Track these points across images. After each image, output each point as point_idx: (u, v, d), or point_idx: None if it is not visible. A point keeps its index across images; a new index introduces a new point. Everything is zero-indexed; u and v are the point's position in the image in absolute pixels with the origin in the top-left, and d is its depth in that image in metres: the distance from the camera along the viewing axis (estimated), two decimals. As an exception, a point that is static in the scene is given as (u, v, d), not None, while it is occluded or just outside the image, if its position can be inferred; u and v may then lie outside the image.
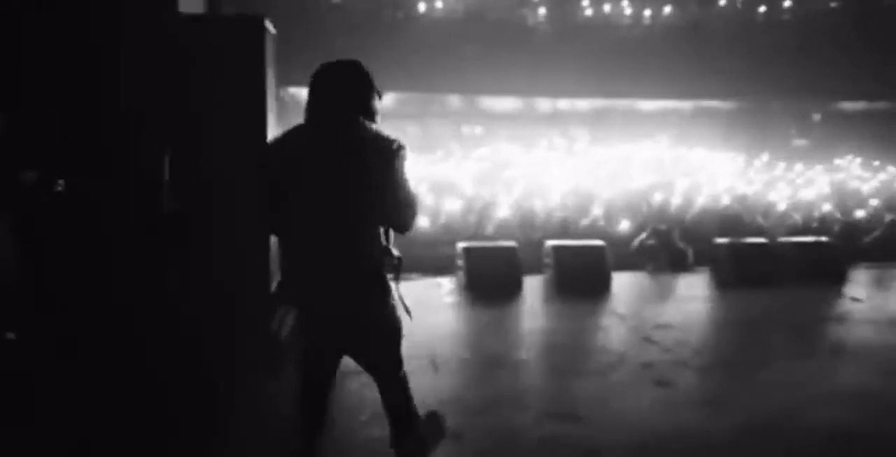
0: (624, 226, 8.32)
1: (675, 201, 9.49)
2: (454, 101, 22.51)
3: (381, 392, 2.49)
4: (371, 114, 2.32)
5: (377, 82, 2.37)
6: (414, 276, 6.70)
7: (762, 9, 15.75)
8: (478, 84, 16.97)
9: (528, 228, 8.83)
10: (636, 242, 7.64)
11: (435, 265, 7.09)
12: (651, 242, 7.51)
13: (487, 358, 4.41)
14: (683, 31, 15.81)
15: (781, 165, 14.69)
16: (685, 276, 7.05)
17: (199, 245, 4.06)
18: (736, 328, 5.26)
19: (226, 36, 4.20)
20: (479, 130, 26.68)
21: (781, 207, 9.24)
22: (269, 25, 4.47)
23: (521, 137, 22.97)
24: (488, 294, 6.09)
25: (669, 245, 7.40)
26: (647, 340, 4.79)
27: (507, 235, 8.52)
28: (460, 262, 6.40)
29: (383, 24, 15.79)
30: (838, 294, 6.43)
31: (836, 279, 6.84)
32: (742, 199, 9.70)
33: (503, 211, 8.76)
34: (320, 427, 2.49)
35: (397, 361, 2.47)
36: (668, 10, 16.14)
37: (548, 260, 6.60)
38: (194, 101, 4.10)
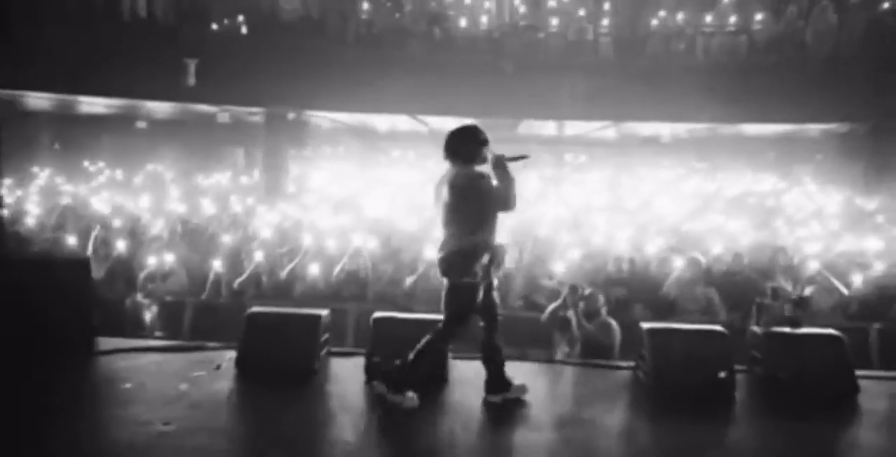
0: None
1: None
2: (543, 127, 20.55)
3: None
4: (472, 160, 3.84)
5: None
6: (213, 344, 5.06)
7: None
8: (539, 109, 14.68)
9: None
10: (546, 312, 5.42)
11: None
12: (563, 313, 5.24)
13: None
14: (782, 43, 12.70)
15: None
16: (593, 372, 4.72)
17: None
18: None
19: None
20: (583, 158, 24.54)
21: (813, 267, 6.41)
22: None
23: (624, 165, 20.58)
24: (253, 381, 4.31)
25: (584, 318, 5.10)
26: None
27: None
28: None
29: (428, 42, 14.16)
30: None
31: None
32: (775, 253, 6.94)
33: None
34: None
35: (453, 316, 3.88)
36: (759, 17, 13.15)
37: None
38: None
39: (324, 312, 4.64)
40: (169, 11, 11.08)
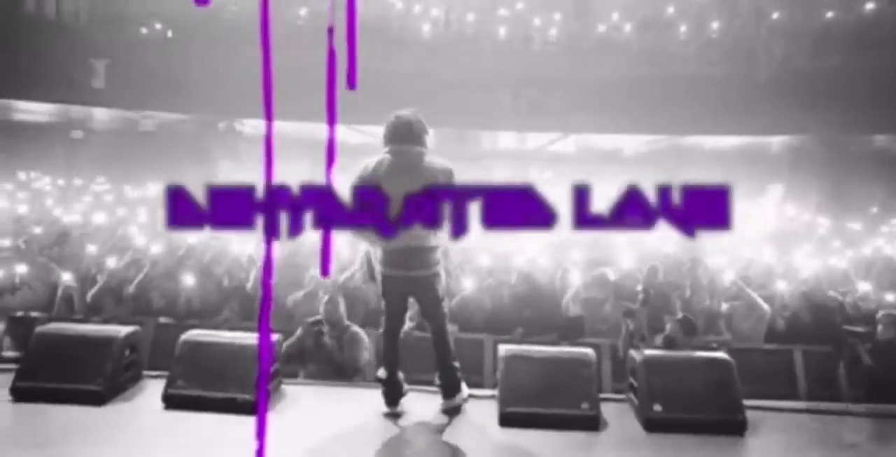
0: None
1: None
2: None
3: (434, 345, 3.73)
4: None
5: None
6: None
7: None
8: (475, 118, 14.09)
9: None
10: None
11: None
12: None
13: None
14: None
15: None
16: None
17: None
18: None
19: None
20: (549, 173, 23.96)
21: (728, 278, 5.75)
22: None
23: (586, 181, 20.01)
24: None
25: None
26: None
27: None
28: None
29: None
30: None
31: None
32: (693, 266, 6.26)
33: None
34: (397, 362, 3.69)
35: (443, 318, 3.70)
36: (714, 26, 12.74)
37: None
38: None
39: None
40: (81, 14, 10.45)
